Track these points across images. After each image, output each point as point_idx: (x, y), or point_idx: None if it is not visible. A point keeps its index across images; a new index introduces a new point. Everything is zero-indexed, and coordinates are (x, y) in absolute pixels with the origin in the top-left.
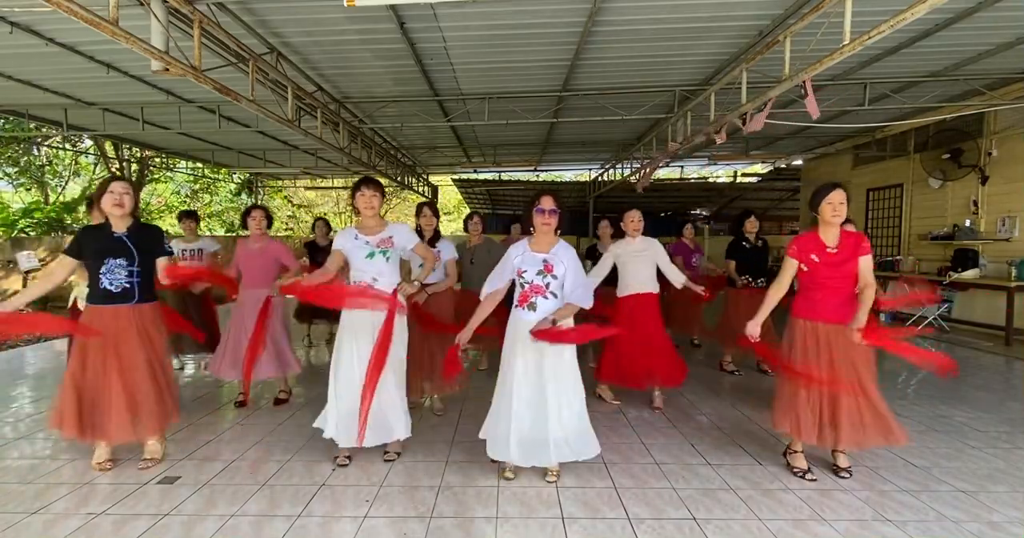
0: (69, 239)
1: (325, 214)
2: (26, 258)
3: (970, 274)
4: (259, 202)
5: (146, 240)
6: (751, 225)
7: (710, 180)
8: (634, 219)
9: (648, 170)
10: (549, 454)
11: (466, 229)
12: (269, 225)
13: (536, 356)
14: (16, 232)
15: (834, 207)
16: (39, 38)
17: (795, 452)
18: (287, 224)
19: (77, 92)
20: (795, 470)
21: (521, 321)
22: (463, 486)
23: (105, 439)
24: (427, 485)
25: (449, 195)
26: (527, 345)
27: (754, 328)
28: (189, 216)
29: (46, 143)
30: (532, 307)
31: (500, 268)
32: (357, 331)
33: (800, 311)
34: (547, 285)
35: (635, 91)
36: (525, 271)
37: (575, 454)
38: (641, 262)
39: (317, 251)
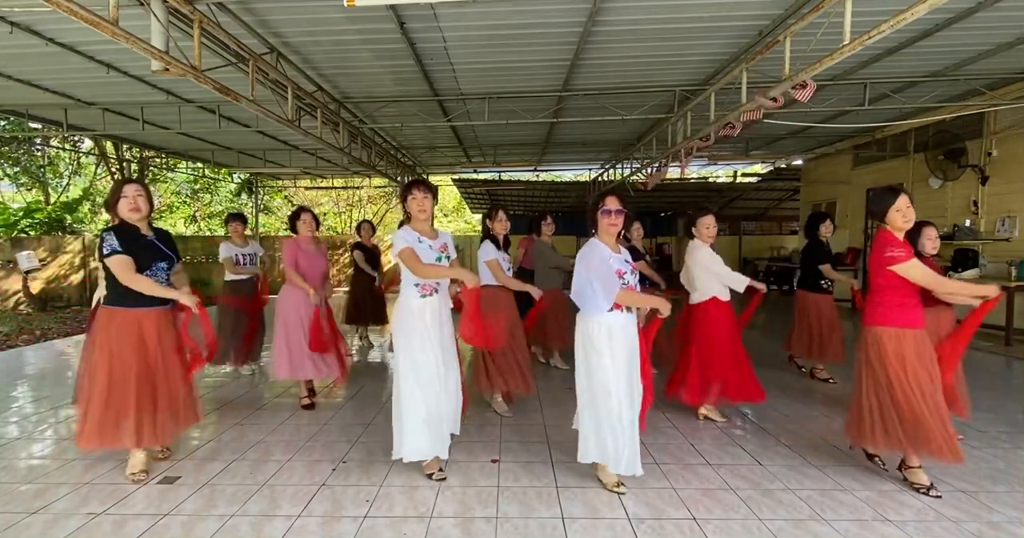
0: (71, 238)
1: (325, 214)
2: (26, 258)
3: (970, 274)
4: (260, 202)
5: (170, 244)
6: (826, 228)
7: (710, 180)
8: (710, 225)
9: (685, 158)
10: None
11: (538, 231)
12: (317, 227)
13: (631, 361)
14: (16, 232)
15: (903, 213)
16: (39, 38)
17: (914, 468)
18: (287, 224)
19: (77, 92)
20: (918, 487)
21: (618, 324)
22: (463, 486)
23: (138, 445)
24: (427, 485)
25: (449, 195)
26: (626, 349)
27: (992, 290)
28: (236, 218)
29: (49, 143)
30: (630, 308)
31: (607, 273)
32: (426, 335)
33: (896, 320)
34: (636, 286)
35: (635, 91)
36: (625, 272)
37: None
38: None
39: (364, 252)
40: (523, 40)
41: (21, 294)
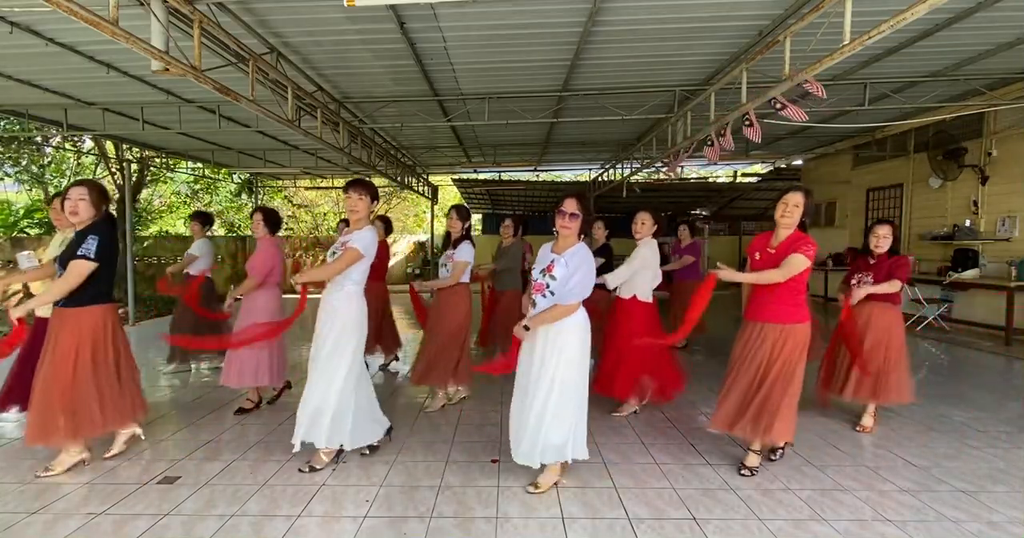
0: None
1: (325, 214)
2: (26, 258)
3: (970, 274)
4: (259, 203)
5: (75, 243)
6: None
7: (710, 180)
8: (636, 221)
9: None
10: (523, 451)
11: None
12: (276, 228)
13: (530, 350)
14: (16, 232)
15: (787, 207)
16: (39, 38)
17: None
18: (287, 224)
19: (77, 92)
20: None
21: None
22: (463, 486)
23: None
24: (427, 485)
25: (449, 195)
26: (529, 345)
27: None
28: (192, 217)
29: (50, 143)
30: (533, 304)
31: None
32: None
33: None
34: (547, 285)
35: (635, 91)
36: (533, 268)
37: (553, 457)
38: (625, 266)
39: None
40: (523, 40)
41: (21, 294)
